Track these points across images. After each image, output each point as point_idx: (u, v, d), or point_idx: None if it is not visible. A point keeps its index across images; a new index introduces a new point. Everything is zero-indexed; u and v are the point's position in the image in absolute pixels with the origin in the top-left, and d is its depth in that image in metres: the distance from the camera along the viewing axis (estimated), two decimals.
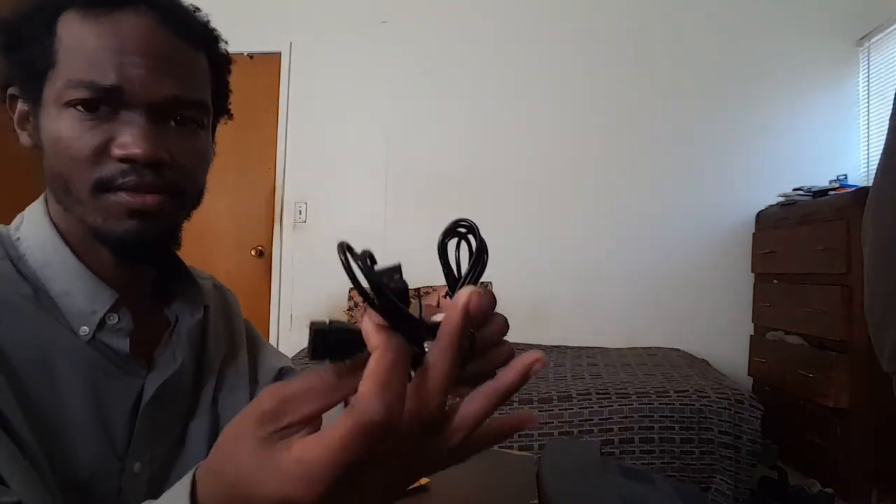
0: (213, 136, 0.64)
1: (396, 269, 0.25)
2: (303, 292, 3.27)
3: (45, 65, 0.50)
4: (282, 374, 0.74)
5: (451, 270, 0.34)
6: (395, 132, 3.24)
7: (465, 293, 0.29)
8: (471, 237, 0.33)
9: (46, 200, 0.57)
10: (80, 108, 0.49)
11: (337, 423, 0.26)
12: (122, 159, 0.50)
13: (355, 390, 0.26)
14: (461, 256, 0.34)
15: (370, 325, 0.26)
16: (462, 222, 0.33)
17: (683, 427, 1.87)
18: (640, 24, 3.10)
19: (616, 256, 3.08)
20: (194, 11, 0.57)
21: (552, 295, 3.11)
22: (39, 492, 0.43)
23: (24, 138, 0.55)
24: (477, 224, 0.33)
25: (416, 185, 3.21)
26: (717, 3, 3.05)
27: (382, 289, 0.25)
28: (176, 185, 0.53)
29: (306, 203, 3.26)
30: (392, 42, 3.24)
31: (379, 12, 3.26)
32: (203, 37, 0.57)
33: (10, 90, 0.55)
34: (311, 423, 0.28)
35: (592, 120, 3.13)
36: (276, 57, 3.28)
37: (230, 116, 0.67)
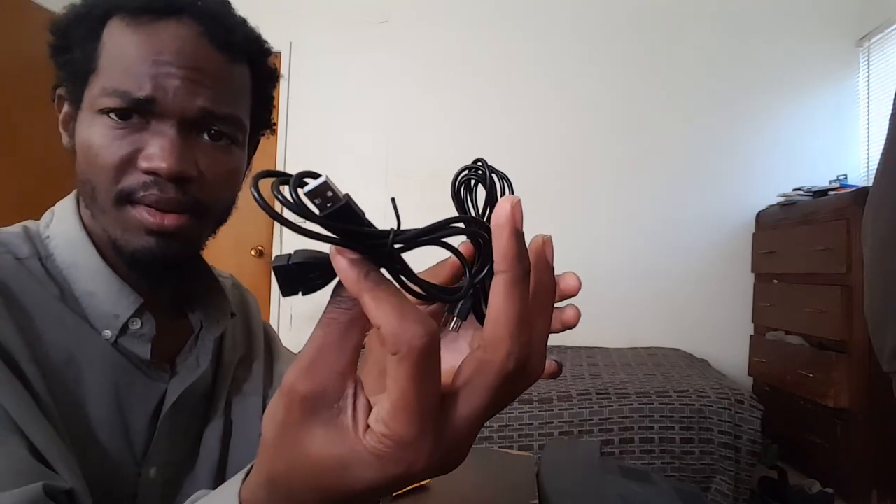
0: (254, 150, 0.64)
1: (325, 187, 0.21)
2: None
3: (86, 69, 0.51)
4: None
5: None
6: (395, 132, 3.23)
7: (505, 205, 0.23)
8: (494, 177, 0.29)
9: (78, 199, 0.56)
10: (112, 115, 0.49)
11: (388, 390, 0.23)
12: (147, 171, 0.49)
13: (363, 318, 0.24)
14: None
15: (342, 263, 0.23)
16: (478, 162, 0.29)
17: (683, 427, 1.87)
18: (639, 24, 3.10)
19: (616, 256, 3.07)
20: (242, 23, 0.57)
21: None
22: (81, 480, 0.43)
23: (65, 139, 0.55)
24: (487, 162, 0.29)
25: (416, 185, 3.21)
26: (717, 3, 3.05)
27: (327, 224, 0.22)
28: (199, 203, 0.52)
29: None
30: (392, 42, 3.24)
31: (379, 12, 3.25)
32: (247, 49, 0.56)
33: (59, 91, 0.55)
34: (351, 376, 0.25)
35: (592, 120, 3.13)
36: (276, 57, 3.28)
37: (273, 131, 0.66)
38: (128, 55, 0.49)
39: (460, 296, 0.26)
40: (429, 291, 0.25)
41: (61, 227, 0.54)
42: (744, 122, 3.01)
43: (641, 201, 3.08)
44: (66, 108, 0.55)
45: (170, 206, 0.50)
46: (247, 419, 0.65)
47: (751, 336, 2.89)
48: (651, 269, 3.05)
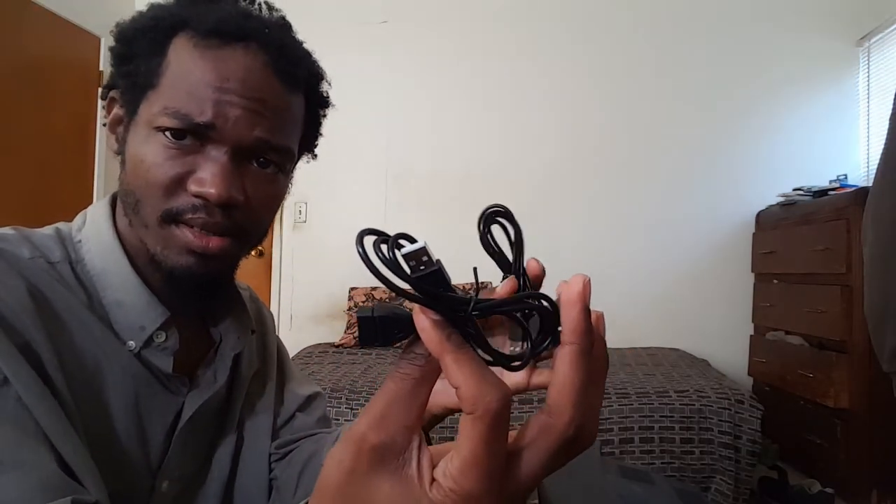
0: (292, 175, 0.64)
1: (423, 252, 0.24)
2: (303, 292, 3.27)
3: (147, 83, 0.50)
4: (310, 400, 0.74)
5: (503, 256, 0.32)
6: (395, 132, 3.24)
7: (578, 282, 0.26)
8: (506, 223, 0.33)
9: (112, 205, 0.56)
10: (167, 134, 0.49)
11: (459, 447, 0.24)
12: (197, 195, 0.50)
13: (434, 373, 0.26)
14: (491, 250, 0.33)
15: (426, 323, 0.25)
16: (497, 207, 0.33)
17: (683, 427, 1.87)
18: (639, 24, 3.10)
19: (616, 257, 3.07)
20: (306, 55, 0.58)
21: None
22: (104, 492, 0.44)
23: (112, 142, 0.55)
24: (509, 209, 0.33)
25: (416, 185, 3.21)
26: (716, 3, 3.05)
27: (417, 285, 0.24)
28: (242, 228, 0.53)
29: (306, 203, 3.26)
30: (392, 42, 3.24)
31: (379, 12, 3.26)
32: (307, 80, 0.57)
33: (113, 93, 0.55)
34: (417, 430, 0.26)
35: (592, 120, 3.12)
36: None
37: (315, 156, 0.66)
38: (192, 77, 0.49)
39: (523, 364, 0.28)
40: (494, 356, 0.27)
41: (94, 232, 0.54)
42: (744, 121, 3.01)
43: (642, 201, 3.08)
44: (116, 111, 0.54)
45: (215, 230, 0.51)
46: (257, 436, 0.65)
47: (751, 336, 2.89)
48: (651, 268, 3.05)
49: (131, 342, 0.52)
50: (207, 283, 0.54)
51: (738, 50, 3.02)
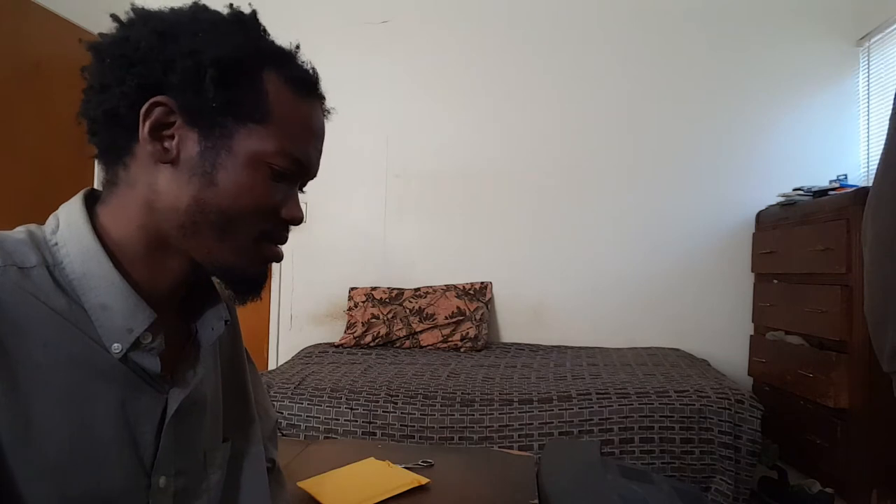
0: None
1: None
2: (303, 292, 3.27)
3: (249, 115, 0.53)
4: (275, 429, 0.83)
5: None
6: (395, 132, 3.24)
7: None
8: None
9: (86, 206, 0.54)
10: (277, 171, 0.55)
11: None
12: (288, 220, 0.59)
13: None
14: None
15: None
16: None
17: (683, 427, 1.87)
18: (639, 24, 3.10)
19: (616, 256, 3.08)
20: None
21: (552, 295, 3.11)
22: None
23: (154, 147, 0.52)
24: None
25: (416, 185, 3.21)
26: (716, 3, 3.05)
27: None
28: None
29: (306, 203, 3.26)
30: (392, 42, 3.24)
31: (379, 12, 3.26)
32: None
33: (160, 98, 0.51)
34: None
35: (592, 120, 3.13)
36: None
37: None
38: (299, 125, 0.57)
39: None
40: None
41: (71, 234, 0.52)
42: (744, 122, 3.01)
43: (642, 201, 3.08)
44: (158, 114, 0.51)
45: (284, 242, 0.61)
46: (244, 431, 0.67)
47: (751, 336, 2.89)
48: (651, 268, 3.05)
49: (116, 345, 0.50)
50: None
51: (738, 50, 3.02)
